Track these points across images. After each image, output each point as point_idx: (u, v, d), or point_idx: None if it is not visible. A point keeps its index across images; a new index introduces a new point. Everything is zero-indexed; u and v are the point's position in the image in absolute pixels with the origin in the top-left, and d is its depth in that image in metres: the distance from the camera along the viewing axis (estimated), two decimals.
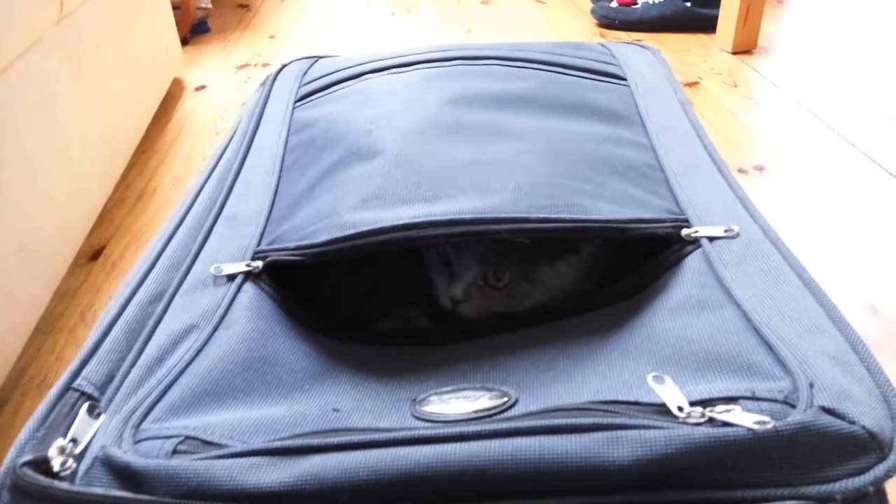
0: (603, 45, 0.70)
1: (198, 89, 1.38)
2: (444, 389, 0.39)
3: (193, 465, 0.31)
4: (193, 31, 1.66)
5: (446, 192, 0.45)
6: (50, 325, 0.76)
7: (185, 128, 1.22)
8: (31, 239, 0.69)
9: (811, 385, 0.30)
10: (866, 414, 0.29)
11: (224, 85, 1.40)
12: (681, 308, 0.39)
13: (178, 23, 1.46)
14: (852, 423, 0.28)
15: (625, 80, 0.62)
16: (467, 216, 0.42)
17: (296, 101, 0.64)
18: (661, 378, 0.32)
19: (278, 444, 0.31)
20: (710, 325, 0.36)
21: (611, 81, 0.61)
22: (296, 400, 0.39)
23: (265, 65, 1.49)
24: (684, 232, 0.44)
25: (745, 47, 1.41)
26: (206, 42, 1.64)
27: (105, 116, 0.93)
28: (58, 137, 0.78)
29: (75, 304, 0.80)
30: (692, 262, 0.42)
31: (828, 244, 0.83)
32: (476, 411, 0.37)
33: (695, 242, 0.43)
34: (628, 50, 0.69)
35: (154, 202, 0.99)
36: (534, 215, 0.42)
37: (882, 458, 0.28)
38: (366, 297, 0.51)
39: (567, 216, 0.42)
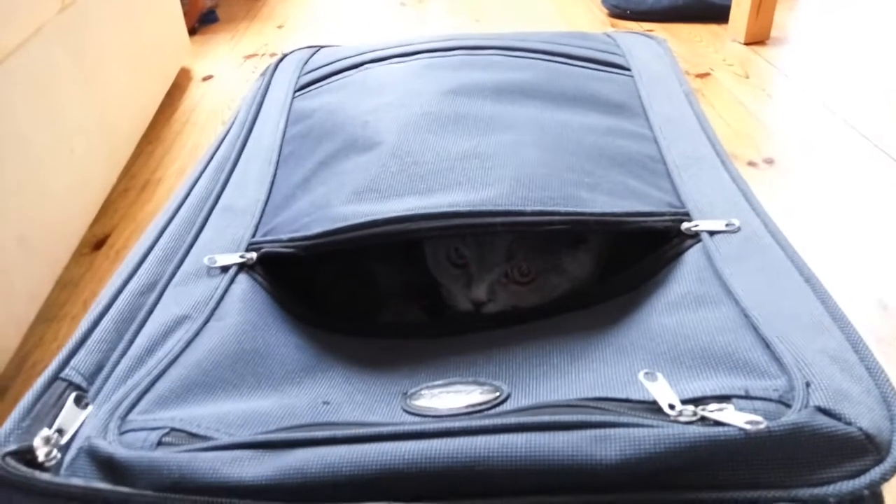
0: (608, 35, 0.69)
1: (205, 79, 1.37)
2: (436, 383, 0.39)
3: (176, 458, 0.30)
4: (202, 20, 1.66)
5: (442, 184, 0.44)
6: (52, 314, 0.77)
7: (192, 118, 1.22)
8: (31, 229, 0.69)
9: (807, 384, 0.29)
10: (864, 415, 0.28)
11: (231, 75, 1.39)
12: (678, 304, 0.38)
13: (186, 13, 1.45)
14: (849, 424, 0.28)
15: (629, 70, 0.61)
16: (462, 209, 0.42)
17: (295, 91, 0.64)
18: (653, 375, 0.32)
19: (262, 437, 0.31)
20: (707, 322, 0.35)
21: (614, 72, 0.60)
22: (286, 392, 0.39)
23: (273, 55, 1.48)
24: (684, 226, 0.43)
25: (758, 38, 1.38)
26: (215, 32, 1.63)
27: (108, 107, 0.93)
28: (59, 128, 0.78)
29: (78, 293, 0.80)
30: (692, 256, 0.41)
31: (838, 238, 0.81)
32: (467, 406, 0.36)
33: (695, 236, 0.42)
34: (633, 40, 0.68)
35: (158, 192, 0.99)
36: (529, 208, 0.41)
37: (879, 461, 0.27)
38: (362, 290, 0.51)
39: (563, 209, 0.42)
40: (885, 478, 0.27)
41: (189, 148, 1.12)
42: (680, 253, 0.42)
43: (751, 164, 0.97)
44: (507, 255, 0.46)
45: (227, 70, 1.41)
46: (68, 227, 0.80)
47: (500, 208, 0.41)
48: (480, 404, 0.36)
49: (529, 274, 0.47)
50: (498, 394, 0.37)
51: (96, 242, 0.89)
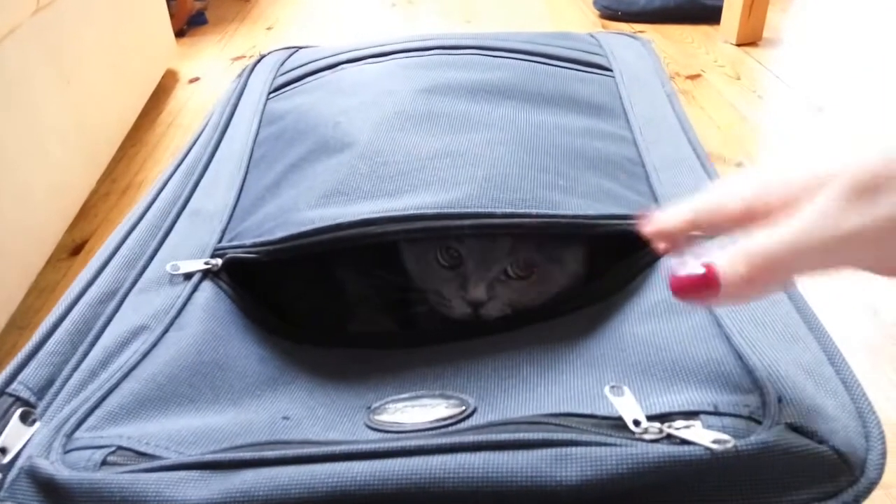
0: (591, 35, 0.67)
1: (191, 81, 1.36)
2: (401, 397, 0.37)
3: (118, 479, 0.29)
4: (190, 22, 1.64)
5: (411, 185, 0.43)
6: (27, 321, 0.75)
7: (177, 120, 1.20)
8: (3, 233, 0.68)
9: (780, 399, 0.28)
10: (837, 432, 0.27)
11: (218, 77, 1.38)
12: (651, 312, 0.37)
13: (174, 14, 1.44)
14: (821, 442, 0.26)
15: (610, 70, 0.60)
16: (428, 211, 0.40)
17: (270, 92, 0.62)
18: (619, 389, 0.30)
19: (209, 457, 0.30)
20: (680, 331, 0.34)
21: (595, 72, 0.59)
22: (245, 407, 0.37)
23: None
24: None
25: (749, 39, 1.37)
26: (203, 34, 1.62)
27: (88, 109, 0.92)
28: (34, 130, 0.77)
29: (54, 300, 0.78)
30: (667, 262, 0.40)
31: None
32: (432, 421, 0.35)
33: None
34: (616, 40, 0.66)
35: (140, 196, 0.98)
36: (499, 210, 0.40)
37: (853, 482, 0.26)
38: (331, 299, 0.49)
39: (534, 211, 0.40)
40: (858, 499, 0.25)
41: (173, 150, 1.10)
42: (655, 259, 0.41)
43: (739, 166, 0.96)
44: (511, 250, 0.44)
45: (215, 72, 1.40)
46: (44, 231, 0.79)
47: (468, 210, 0.40)
48: (446, 419, 0.35)
49: (530, 268, 0.44)
50: (464, 408, 0.35)
51: (74, 247, 0.87)
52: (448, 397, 0.37)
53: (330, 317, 0.48)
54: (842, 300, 0.70)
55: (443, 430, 0.34)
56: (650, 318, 0.36)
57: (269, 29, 1.64)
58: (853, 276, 0.78)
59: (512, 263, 0.44)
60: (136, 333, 0.39)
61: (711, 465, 0.26)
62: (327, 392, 0.39)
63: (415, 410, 0.36)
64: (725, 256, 0.26)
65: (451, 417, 0.35)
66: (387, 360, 0.42)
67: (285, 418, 0.36)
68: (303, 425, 0.36)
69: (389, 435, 0.34)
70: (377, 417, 0.36)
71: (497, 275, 0.44)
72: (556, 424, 0.29)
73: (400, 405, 0.36)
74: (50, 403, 0.35)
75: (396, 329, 0.49)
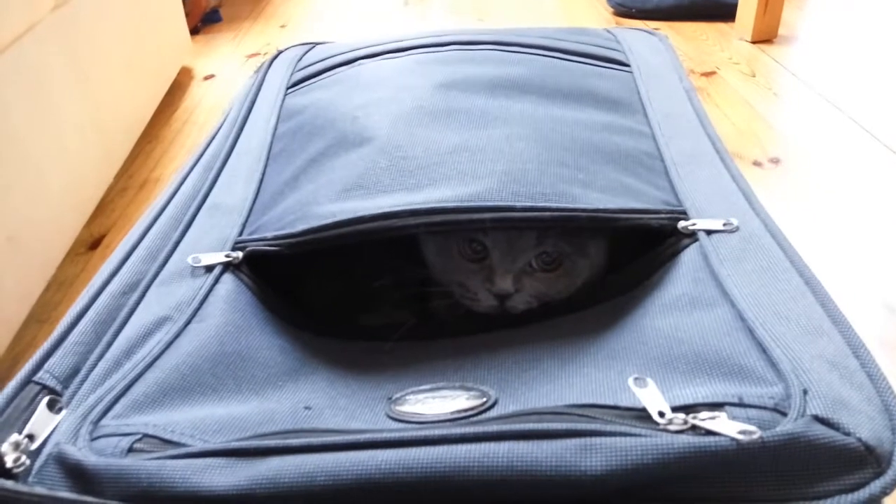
0: (608, 31, 0.67)
1: (206, 78, 1.37)
2: (421, 388, 0.37)
3: (145, 465, 0.29)
4: (205, 20, 1.65)
5: (431, 179, 0.43)
6: (46, 314, 0.76)
7: (192, 117, 1.21)
8: (22, 228, 0.68)
9: (805, 392, 0.28)
10: (863, 425, 0.26)
11: (233, 74, 1.38)
12: (673, 306, 0.37)
13: (188, 12, 1.45)
14: (847, 434, 0.26)
15: (628, 66, 0.60)
16: (449, 204, 0.40)
17: (288, 88, 0.62)
18: (643, 381, 0.30)
19: (235, 444, 0.30)
20: (702, 325, 0.34)
21: (613, 67, 0.59)
22: (267, 397, 0.37)
23: None
24: (681, 224, 0.42)
25: (765, 36, 1.36)
26: (218, 31, 1.63)
27: (104, 105, 0.93)
28: (52, 126, 0.77)
29: (72, 294, 0.79)
30: (688, 256, 0.40)
31: (844, 240, 0.79)
32: (453, 412, 0.35)
33: (692, 236, 0.41)
34: (634, 35, 0.66)
35: (156, 192, 0.99)
36: (519, 203, 0.40)
37: (879, 474, 0.26)
38: (350, 292, 0.49)
39: (553, 205, 0.40)
40: (885, 491, 0.25)
41: (188, 147, 1.11)
42: (676, 253, 0.41)
43: (756, 163, 0.95)
44: (537, 242, 0.44)
45: (229, 69, 1.41)
46: (62, 226, 0.79)
47: (488, 204, 0.40)
48: (466, 410, 0.35)
49: (557, 260, 0.44)
50: (485, 399, 0.35)
51: (92, 242, 0.88)
52: (468, 389, 0.37)
53: (349, 310, 0.49)
54: (856, 297, 0.70)
55: (463, 420, 0.34)
56: (672, 311, 0.36)
57: (282, 27, 1.64)
58: (868, 273, 0.77)
59: (538, 255, 0.44)
60: (159, 324, 0.39)
61: (737, 456, 0.26)
62: (348, 383, 0.39)
63: (435, 402, 0.36)
64: None
65: (471, 409, 0.35)
66: (406, 352, 0.42)
67: (307, 408, 0.36)
68: (325, 415, 0.36)
69: (411, 425, 0.34)
70: (398, 408, 0.36)
71: (523, 266, 0.44)
72: (579, 415, 0.29)
73: (420, 396, 0.37)
74: (76, 392, 0.35)
75: (415, 321, 0.49)
